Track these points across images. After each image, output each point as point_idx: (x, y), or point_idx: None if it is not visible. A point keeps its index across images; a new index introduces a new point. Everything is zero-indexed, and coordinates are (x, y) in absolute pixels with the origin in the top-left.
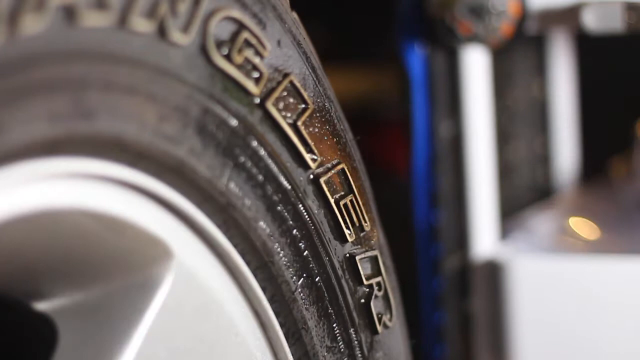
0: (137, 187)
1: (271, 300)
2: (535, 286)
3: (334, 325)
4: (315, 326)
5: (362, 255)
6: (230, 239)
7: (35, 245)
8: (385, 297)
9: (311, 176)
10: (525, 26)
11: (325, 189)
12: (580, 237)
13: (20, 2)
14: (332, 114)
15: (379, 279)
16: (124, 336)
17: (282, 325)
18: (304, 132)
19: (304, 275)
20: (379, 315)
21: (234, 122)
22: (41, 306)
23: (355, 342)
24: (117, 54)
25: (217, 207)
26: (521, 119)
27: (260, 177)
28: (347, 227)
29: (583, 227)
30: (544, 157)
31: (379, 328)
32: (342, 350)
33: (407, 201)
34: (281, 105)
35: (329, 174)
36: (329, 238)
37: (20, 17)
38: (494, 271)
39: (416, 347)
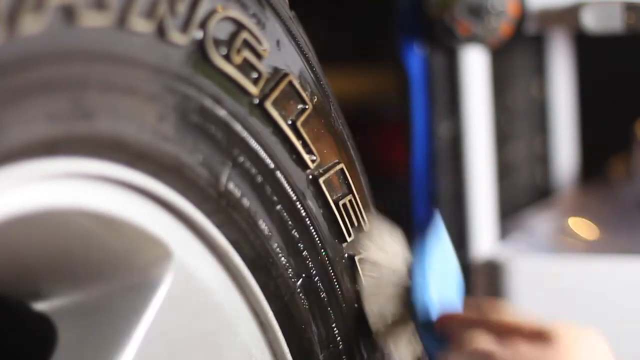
0: (136, 187)
1: (270, 301)
2: (534, 286)
3: (333, 325)
4: (315, 326)
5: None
6: (229, 239)
7: (35, 245)
8: None
9: (310, 176)
10: (524, 26)
11: (325, 189)
12: (579, 237)
13: (19, 2)
14: (331, 114)
15: None
16: (123, 336)
17: (281, 326)
18: (303, 132)
19: (303, 275)
20: None
21: (233, 122)
22: (41, 306)
23: (355, 342)
24: (116, 54)
25: (216, 207)
26: (520, 119)
27: (259, 178)
28: (346, 227)
29: (582, 227)
30: (543, 157)
31: None
32: (341, 350)
33: (406, 201)
34: (280, 105)
35: (328, 174)
36: (328, 238)
37: (19, 17)
38: (493, 271)
39: None
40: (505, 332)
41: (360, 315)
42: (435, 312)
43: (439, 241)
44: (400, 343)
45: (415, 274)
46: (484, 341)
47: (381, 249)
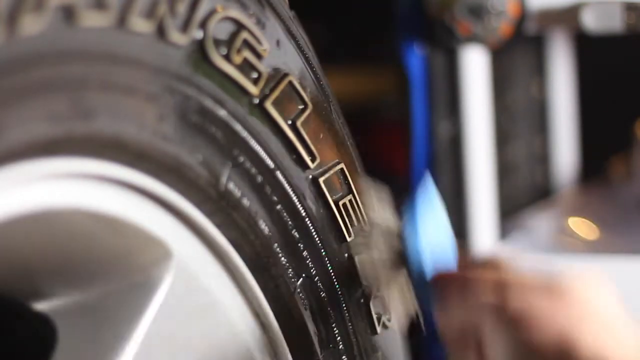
0: (136, 187)
1: (270, 301)
2: None
3: (333, 325)
4: (315, 326)
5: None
6: (229, 239)
7: (35, 246)
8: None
9: (310, 176)
10: (524, 26)
11: (325, 189)
12: (579, 237)
13: (19, 2)
14: (331, 114)
15: None
16: (123, 336)
17: (281, 326)
18: (303, 132)
19: (303, 275)
20: (378, 316)
21: (233, 122)
22: (41, 306)
23: (354, 342)
24: (116, 54)
25: (216, 207)
26: (520, 119)
27: (260, 178)
28: (347, 227)
29: (582, 227)
30: (543, 157)
31: (378, 328)
32: (341, 350)
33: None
34: (280, 105)
35: (328, 174)
36: (328, 238)
37: (19, 17)
38: None
39: (415, 347)
40: (511, 287)
41: (361, 315)
42: (429, 268)
43: (430, 201)
44: (393, 299)
45: (407, 231)
46: (490, 295)
47: (371, 208)
